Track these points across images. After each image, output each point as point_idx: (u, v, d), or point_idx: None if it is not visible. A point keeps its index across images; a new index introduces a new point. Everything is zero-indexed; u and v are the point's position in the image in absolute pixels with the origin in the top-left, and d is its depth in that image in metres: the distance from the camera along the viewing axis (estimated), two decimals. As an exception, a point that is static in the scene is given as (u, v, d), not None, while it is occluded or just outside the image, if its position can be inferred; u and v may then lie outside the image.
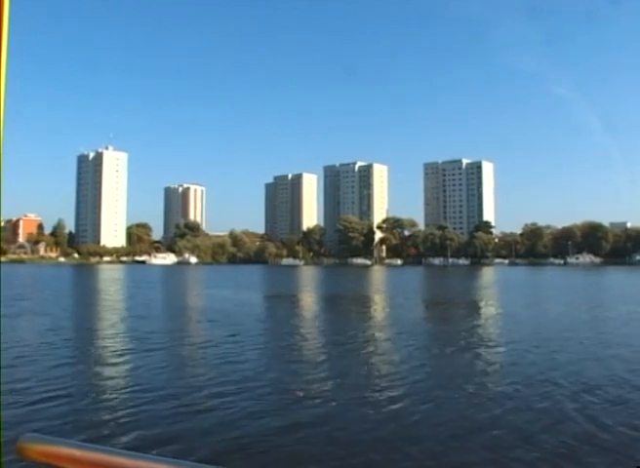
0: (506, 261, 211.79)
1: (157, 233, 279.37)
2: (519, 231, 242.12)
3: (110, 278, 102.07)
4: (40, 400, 13.60)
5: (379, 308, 45.02)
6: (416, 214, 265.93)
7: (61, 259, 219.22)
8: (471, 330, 29.63)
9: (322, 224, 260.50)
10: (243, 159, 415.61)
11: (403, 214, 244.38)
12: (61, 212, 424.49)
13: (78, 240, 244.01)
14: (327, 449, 10.65)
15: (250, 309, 40.49)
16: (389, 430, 11.77)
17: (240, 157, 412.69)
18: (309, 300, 53.06)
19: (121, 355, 21.24)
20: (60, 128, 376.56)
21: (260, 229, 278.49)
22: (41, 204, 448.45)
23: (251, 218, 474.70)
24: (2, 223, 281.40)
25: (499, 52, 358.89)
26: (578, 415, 12.66)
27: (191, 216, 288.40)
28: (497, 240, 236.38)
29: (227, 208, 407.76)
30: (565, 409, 13.22)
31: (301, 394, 14.93)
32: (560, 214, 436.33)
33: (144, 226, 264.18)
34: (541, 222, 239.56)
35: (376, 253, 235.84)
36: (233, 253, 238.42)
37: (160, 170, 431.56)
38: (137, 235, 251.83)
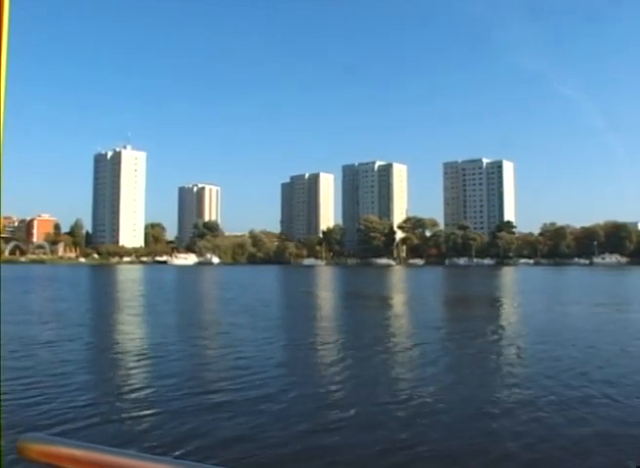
0: (532, 261, 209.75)
1: (169, 233, 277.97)
2: (535, 231, 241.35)
3: (144, 279, 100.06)
4: (43, 399, 13.43)
5: (431, 312, 42.73)
6: (433, 213, 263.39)
7: (82, 260, 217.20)
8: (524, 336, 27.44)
9: (340, 224, 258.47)
10: (254, 159, 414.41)
11: (421, 214, 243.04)
12: (75, 212, 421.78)
13: (95, 240, 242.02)
14: (341, 451, 10.44)
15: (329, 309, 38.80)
16: (407, 433, 11.48)
17: (251, 157, 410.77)
18: (365, 301, 51.06)
19: (142, 357, 20.58)
20: (70, 128, 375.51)
21: (274, 229, 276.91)
22: (53, 204, 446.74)
23: (263, 218, 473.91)
24: (15, 222, 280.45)
25: (504, 52, 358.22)
26: (580, 414, 12.66)
27: (206, 217, 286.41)
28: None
29: (239, 208, 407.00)
30: (567, 408, 13.20)
31: (320, 393, 14.86)
32: (566, 214, 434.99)
33: (158, 226, 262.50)
34: (559, 222, 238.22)
35: (395, 254, 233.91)
36: (253, 253, 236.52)
37: (170, 169, 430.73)
38: (153, 235, 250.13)
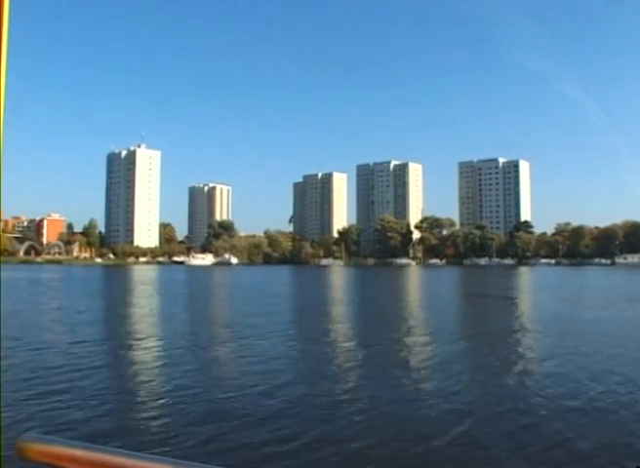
0: (553, 261, 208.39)
1: (178, 233, 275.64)
2: (545, 230, 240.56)
3: (184, 281, 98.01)
4: (43, 399, 13.42)
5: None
6: (448, 213, 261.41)
7: (98, 260, 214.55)
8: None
9: (355, 224, 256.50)
10: (259, 158, 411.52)
11: (436, 214, 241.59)
12: (83, 211, 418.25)
13: (109, 240, 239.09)
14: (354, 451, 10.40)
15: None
16: (421, 434, 11.44)
17: (256, 156, 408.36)
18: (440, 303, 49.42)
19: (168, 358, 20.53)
20: (75, 129, 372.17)
21: (281, 228, 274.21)
22: (61, 204, 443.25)
23: (269, 218, 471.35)
24: (24, 222, 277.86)
25: (506, 52, 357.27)
26: (581, 414, 12.70)
27: (217, 216, 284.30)
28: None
29: (244, 207, 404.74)
30: (569, 407, 13.26)
31: (332, 392, 14.86)
32: (569, 213, 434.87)
33: (167, 226, 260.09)
34: (571, 221, 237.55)
35: (412, 254, 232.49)
36: (269, 253, 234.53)
37: (175, 169, 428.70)
38: (166, 235, 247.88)
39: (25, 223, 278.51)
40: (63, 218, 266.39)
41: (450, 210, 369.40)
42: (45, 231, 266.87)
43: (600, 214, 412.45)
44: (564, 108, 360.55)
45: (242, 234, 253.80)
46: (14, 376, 15.66)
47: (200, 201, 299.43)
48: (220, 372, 17.93)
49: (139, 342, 24.17)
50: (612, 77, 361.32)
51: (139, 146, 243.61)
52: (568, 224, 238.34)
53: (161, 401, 13.79)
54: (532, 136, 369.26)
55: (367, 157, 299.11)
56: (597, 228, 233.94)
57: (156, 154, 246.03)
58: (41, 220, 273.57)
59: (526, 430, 11.56)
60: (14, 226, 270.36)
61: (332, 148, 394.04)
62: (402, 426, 12.00)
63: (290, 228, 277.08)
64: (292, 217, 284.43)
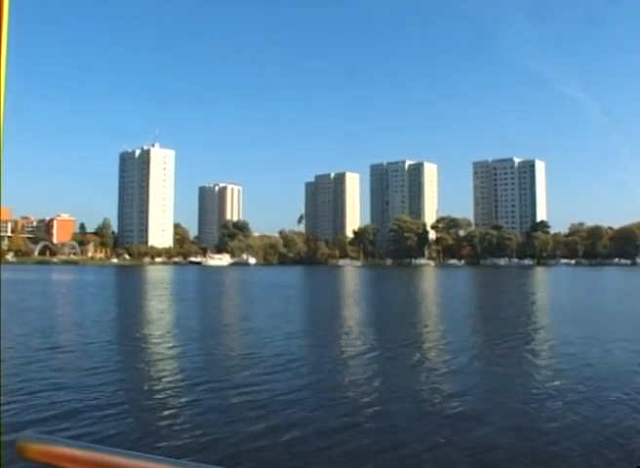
0: (573, 262, 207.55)
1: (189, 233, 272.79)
2: (557, 230, 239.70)
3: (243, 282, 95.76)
4: (44, 399, 13.35)
5: None
6: (463, 213, 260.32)
7: (114, 260, 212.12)
8: None
9: (370, 224, 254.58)
10: (261, 159, 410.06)
11: (450, 214, 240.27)
12: (90, 211, 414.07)
13: (122, 240, 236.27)
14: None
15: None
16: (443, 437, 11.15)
17: (259, 157, 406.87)
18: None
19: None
20: (80, 129, 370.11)
21: (291, 228, 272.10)
22: (69, 204, 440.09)
23: (281, 218, 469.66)
24: (34, 222, 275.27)
25: (507, 52, 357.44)
26: (582, 414, 12.62)
27: (228, 216, 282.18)
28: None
29: (258, 207, 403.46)
30: (572, 408, 13.15)
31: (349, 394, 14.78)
32: (571, 213, 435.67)
33: (178, 226, 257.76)
34: (589, 222, 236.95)
35: (427, 254, 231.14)
36: (284, 253, 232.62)
37: (187, 169, 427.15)
38: (178, 235, 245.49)
39: (35, 223, 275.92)
40: (73, 218, 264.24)
41: (463, 210, 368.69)
42: (55, 231, 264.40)
43: (601, 214, 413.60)
44: (564, 108, 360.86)
45: (255, 234, 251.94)
46: (14, 376, 15.57)
47: (211, 201, 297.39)
48: (223, 372, 17.64)
49: (146, 344, 23.98)
50: (612, 77, 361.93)
51: (152, 146, 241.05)
52: (582, 224, 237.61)
53: (162, 401, 13.74)
54: (531, 136, 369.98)
55: (374, 157, 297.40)
56: (611, 228, 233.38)
57: (170, 153, 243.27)
58: (51, 220, 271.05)
59: (526, 429, 11.61)
60: (23, 226, 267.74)
61: (342, 148, 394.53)
62: (416, 425, 12.02)
63: (299, 228, 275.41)
64: (301, 217, 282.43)
